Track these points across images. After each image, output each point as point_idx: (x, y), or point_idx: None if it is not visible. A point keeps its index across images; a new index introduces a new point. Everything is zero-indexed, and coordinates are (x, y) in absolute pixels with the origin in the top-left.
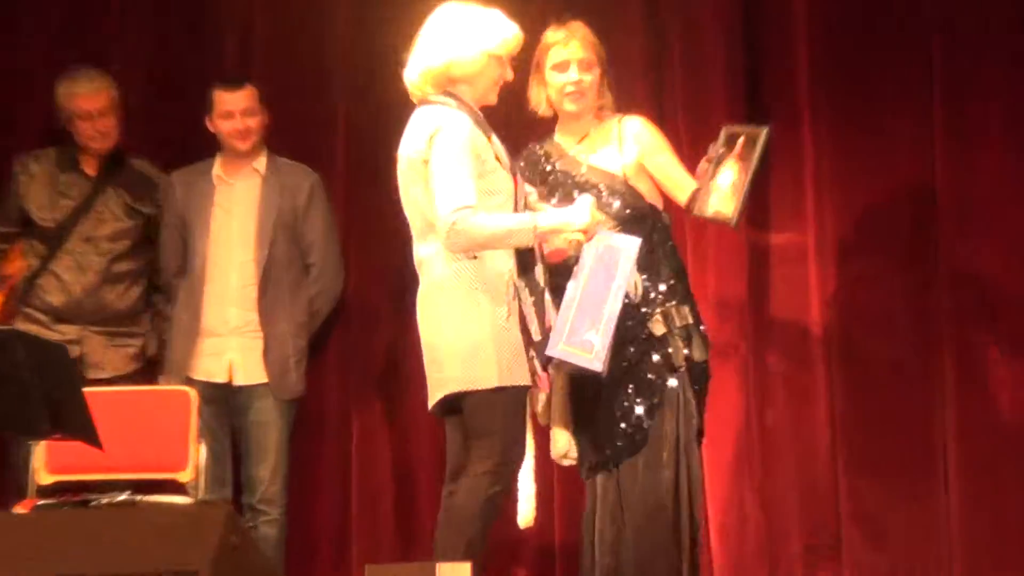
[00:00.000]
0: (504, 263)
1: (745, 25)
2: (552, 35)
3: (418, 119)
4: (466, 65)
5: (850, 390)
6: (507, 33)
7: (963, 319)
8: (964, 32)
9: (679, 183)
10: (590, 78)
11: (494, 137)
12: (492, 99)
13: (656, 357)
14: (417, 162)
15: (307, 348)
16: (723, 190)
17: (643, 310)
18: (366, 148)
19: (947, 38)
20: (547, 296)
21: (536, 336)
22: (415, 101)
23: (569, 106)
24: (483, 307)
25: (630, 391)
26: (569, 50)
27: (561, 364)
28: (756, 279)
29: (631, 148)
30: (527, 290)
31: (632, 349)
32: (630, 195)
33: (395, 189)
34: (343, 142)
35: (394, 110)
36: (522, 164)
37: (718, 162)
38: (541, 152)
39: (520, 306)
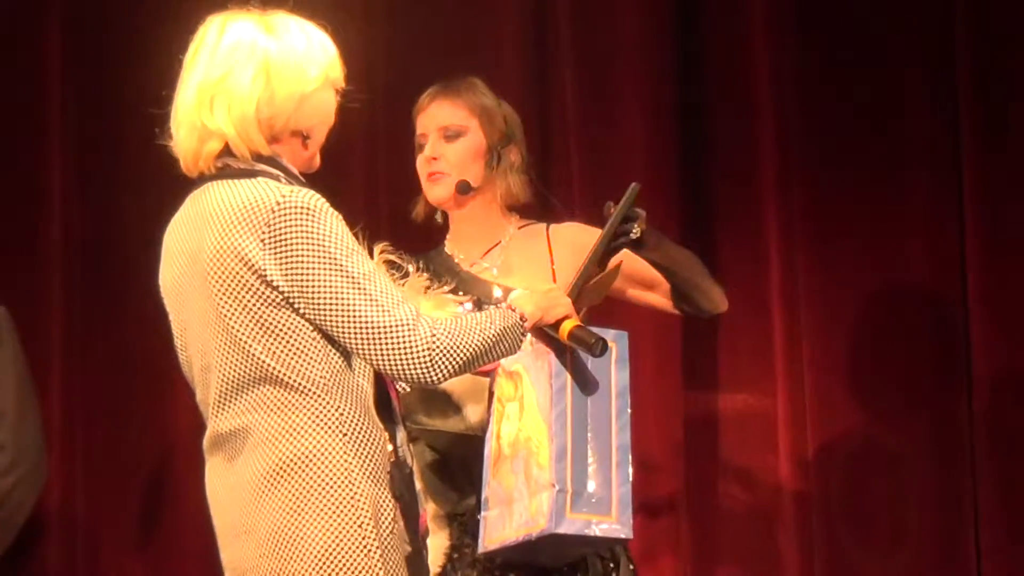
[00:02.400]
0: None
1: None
2: (419, 99)
3: (224, 201)
4: (313, 103)
5: None
6: (335, 51)
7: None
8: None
9: (651, 281)
10: (455, 150)
11: None
12: (316, 163)
13: None
14: (232, 269)
15: None
16: None
17: None
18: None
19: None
20: (417, 483)
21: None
22: (193, 173)
23: (430, 192)
24: (358, 498)
25: None
26: (426, 116)
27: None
28: (697, 436)
29: (568, 260)
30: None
31: None
32: None
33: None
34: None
35: None
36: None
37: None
38: (421, 269)
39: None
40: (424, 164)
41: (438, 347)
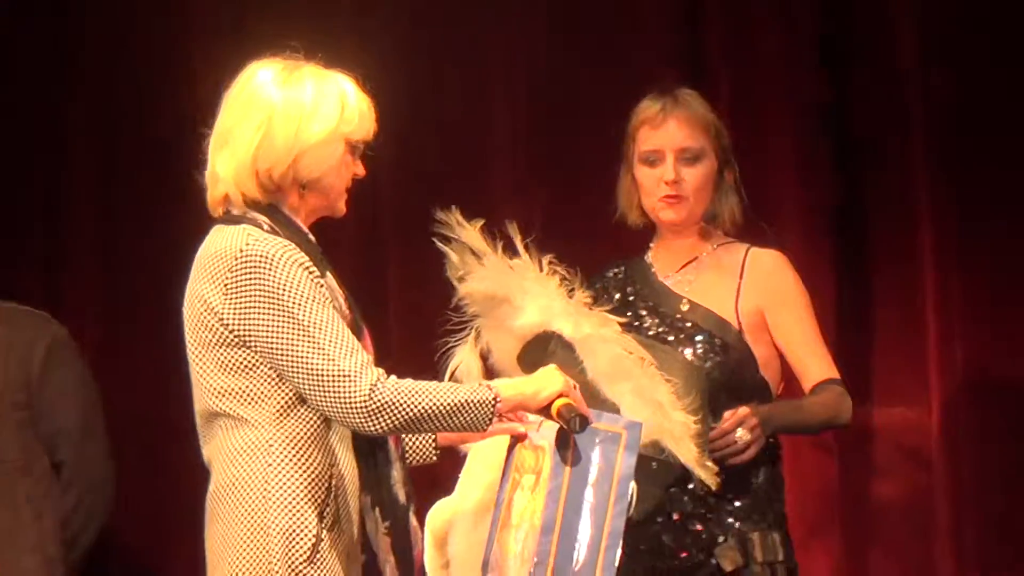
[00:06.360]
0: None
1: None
2: (644, 108)
3: (206, 247)
4: (314, 156)
5: None
6: (359, 104)
7: None
8: None
9: (802, 363)
10: (696, 175)
11: (329, 275)
12: (341, 208)
13: None
14: (197, 310)
15: None
16: None
17: (713, 532)
18: None
19: None
20: (412, 520)
21: None
22: (215, 214)
23: (665, 214)
24: (268, 527)
25: None
26: (663, 134)
27: None
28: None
29: (755, 291)
30: (378, 510)
31: None
32: (742, 356)
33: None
34: None
35: None
36: (592, 290)
37: None
38: (619, 275)
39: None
40: (661, 186)
41: (377, 400)
